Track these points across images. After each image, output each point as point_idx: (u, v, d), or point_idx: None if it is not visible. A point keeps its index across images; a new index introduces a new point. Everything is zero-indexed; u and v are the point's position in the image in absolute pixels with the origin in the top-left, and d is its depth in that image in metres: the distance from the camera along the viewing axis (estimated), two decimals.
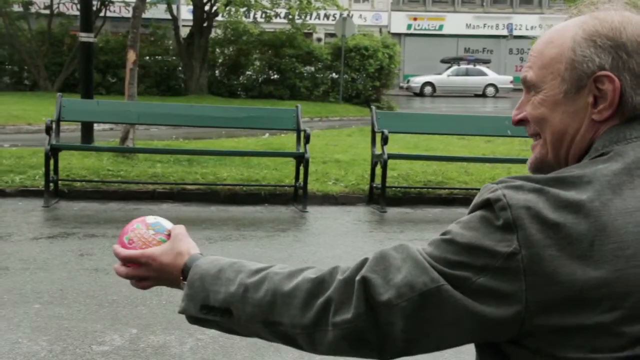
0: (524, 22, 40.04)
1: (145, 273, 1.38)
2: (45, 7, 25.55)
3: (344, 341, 1.13)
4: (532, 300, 1.02)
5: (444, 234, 1.11)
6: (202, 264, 1.29)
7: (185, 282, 1.29)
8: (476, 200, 1.11)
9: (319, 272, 1.18)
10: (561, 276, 1.01)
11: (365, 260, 1.14)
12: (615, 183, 1.06)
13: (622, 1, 1.17)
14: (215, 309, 1.24)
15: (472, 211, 1.11)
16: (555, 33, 1.19)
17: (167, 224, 1.44)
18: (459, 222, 1.11)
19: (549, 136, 1.18)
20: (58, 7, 25.49)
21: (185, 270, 1.31)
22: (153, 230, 1.41)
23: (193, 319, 1.28)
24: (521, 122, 1.23)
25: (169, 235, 1.40)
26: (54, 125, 7.92)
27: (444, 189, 8.75)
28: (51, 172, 7.72)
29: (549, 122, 1.17)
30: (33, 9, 25.45)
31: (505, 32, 40.28)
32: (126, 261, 1.40)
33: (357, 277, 1.11)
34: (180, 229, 1.40)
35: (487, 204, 1.07)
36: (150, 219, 1.45)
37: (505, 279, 1.03)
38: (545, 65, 1.17)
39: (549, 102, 1.16)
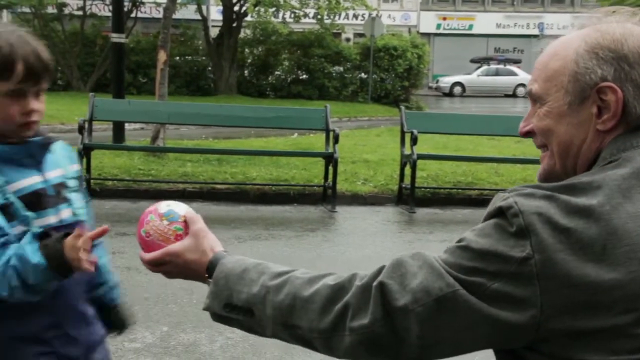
0: (555, 21, 39.57)
1: (169, 269, 1.41)
2: (78, 9, 25.89)
3: (360, 346, 1.15)
4: (547, 305, 1.03)
5: (459, 241, 1.13)
6: (227, 262, 1.33)
7: (211, 280, 1.32)
8: (489, 208, 1.13)
9: (339, 279, 1.20)
10: (575, 279, 1.02)
11: (382, 268, 1.17)
12: (625, 187, 1.08)
13: (626, 13, 1.19)
14: (238, 308, 1.27)
15: (485, 219, 1.13)
16: (558, 46, 1.21)
17: (181, 210, 1.45)
18: (473, 230, 1.13)
19: (555, 147, 1.20)
20: (90, 9, 25.83)
21: (210, 268, 1.34)
22: (167, 220, 1.43)
23: (217, 317, 1.31)
24: (528, 134, 1.25)
25: (184, 222, 1.43)
26: (86, 125, 8.03)
27: (474, 189, 8.69)
28: (83, 171, 7.83)
29: (554, 133, 1.19)
30: (66, 11, 25.82)
31: (536, 32, 39.87)
32: (150, 264, 1.42)
33: (374, 283, 1.14)
34: (199, 222, 1.44)
35: (500, 212, 1.10)
36: (163, 207, 1.46)
37: (520, 283, 1.04)
38: (549, 78, 1.19)
39: (554, 114, 1.18)
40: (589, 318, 1.03)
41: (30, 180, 1.75)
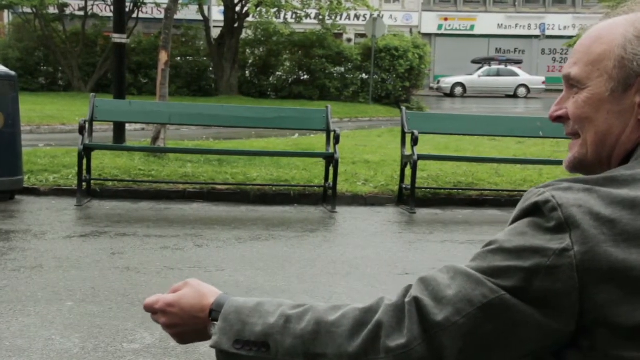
0: (556, 22, 39.55)
1: (166, 321, 1.29)
2: (80, 9, 25.92)
3: None
4: (587, 298, 0.98)
5: (487, 245, 1.06)
6: (238, 299, 1.22)
7: (215, 322, 1.22)
8: (522, 205, 1.06)
9: (366, 303, 1.12)
10: (618, 272, 0.97)
11: (409, 286, 1.09)
12: None
13: None
14: (250, 343, 1.16)
15: (518, 217, 1.06)
16: (604, 29, 1.14)
17: None
18: (503, 232, 1.06)
19: (591, 136, 1.13)
20: (92, 9, 25.85)
21: (214, 310, 1.23)
22: None
23: (224, 355, 1.19)
24: (559, 118, 1.18)
25: None
26: (87, 125, 8.03)
27: (474, 190, 8.68)
28: (84, 172, 7.83)
29: (592, 121, 1.12)
30: (68, 11, 25.84)
31: (537, 32, 39.84)
32: (146, 310, 1.31)
33: (407, 299, 1.06)
34: (194, 280, 1.32)
35: (536, 208, 1.03)
36: None
37: (558, 277, 0.99)
38: (592, 62, 1.12)
39: (593, 101, 1.12)
40: (630, 313, 0.98)
41: None
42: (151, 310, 1.30)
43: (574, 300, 0.99)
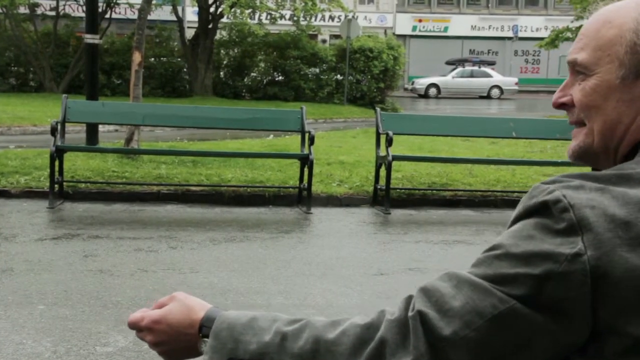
0: (529, 23, 39.97)
1: (152, 338, 1.21)
2: (51, 9, 25.60)
3: None
4: (600, 305, 0.93)
5: (491, 249, 1.00)
6: (229, 313, 1.15)
7: (206, 339, 1.14)
8: (526, 203, 0.99)
9: (366, 318, 1.05)
10: (631, 280, 0.91)
11: (409, 297, 1.03)
12: None
13: None
14: None
15: (522, 216, 1.00)
16: (613, 13, 1.07)
17: None
18: (507, 234, 0.99)
19: (598, 125, 1.06)
20: (64, 9, 25.54)
21: (204, 326, 1.15)
22: None
23: None
24: (563, 105, 1.12)
25: None
26: (59, 127, 7.93)
27: (449, 190, 8.74)
28: (56, 174, 7.73)
29: (600, 110, 1.06)
30: (39, 11, 25.50)
31: (510, 34, 40.23)
32: (130, 327, 1.24)
33: (410, 314, 0.99)
34: (180, 293, 1.24)
35: (544, 207, 0.96)
36: None
37: (570, 284, 0.93)
38: (602, 47, 1.05)
39: (602, 88, 1.05)
40: None
41: None
42: (136, 327, 1.22)
43: (587, 307, 0.93)
